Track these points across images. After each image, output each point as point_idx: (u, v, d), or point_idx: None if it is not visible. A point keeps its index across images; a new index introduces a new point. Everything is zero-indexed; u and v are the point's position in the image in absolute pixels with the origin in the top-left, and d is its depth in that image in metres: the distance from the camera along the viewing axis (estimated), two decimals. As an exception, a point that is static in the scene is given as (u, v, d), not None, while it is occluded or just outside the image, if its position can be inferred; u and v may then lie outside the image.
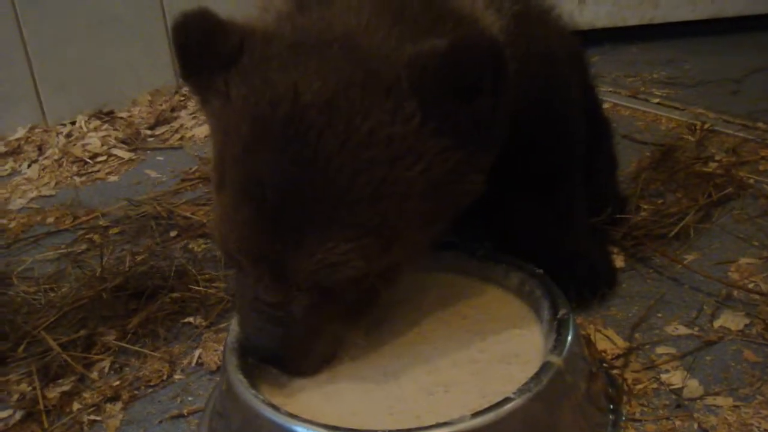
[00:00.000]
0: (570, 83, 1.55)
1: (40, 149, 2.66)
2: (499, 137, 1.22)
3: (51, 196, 2.38)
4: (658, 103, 2.55)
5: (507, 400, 1.11)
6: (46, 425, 1.43)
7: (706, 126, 2.29)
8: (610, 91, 2.65)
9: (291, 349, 1.23)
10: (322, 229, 1.13)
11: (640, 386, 1.36)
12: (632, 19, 3.07)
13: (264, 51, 1.19)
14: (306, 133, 1.11)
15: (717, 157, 2.10)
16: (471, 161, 1.20)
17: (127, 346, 1.60)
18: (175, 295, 1.71)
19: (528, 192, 1.52)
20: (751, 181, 1.98)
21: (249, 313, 1.23)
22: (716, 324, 1.50)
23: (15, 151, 2.65)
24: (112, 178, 2.46)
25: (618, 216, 1.78)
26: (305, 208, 1.12)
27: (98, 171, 2.51)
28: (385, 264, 1.20)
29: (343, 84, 1.12)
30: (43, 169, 2.54)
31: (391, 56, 1.14)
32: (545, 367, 1.17)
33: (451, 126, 1.14)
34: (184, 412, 1.43)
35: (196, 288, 1.73)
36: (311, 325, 1.22)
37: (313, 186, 1.11)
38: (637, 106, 2.54)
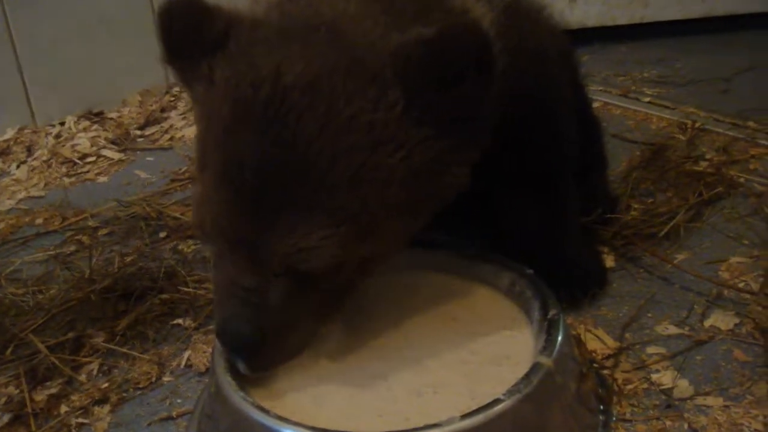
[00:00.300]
0: (561, 81, 1.55)
1: (29, 150, 2.64)
2: (485, 131, 1.22)
3: (40, 197, 2.37)
4: (648, 102, 2.54)
5: (497, 401, 1.11)
6: (33, 428, 1.42)
7: (696, 125, 2.29)
8: (601, 90, 2.65)
9: (264, 337, 1.20)
10: (300, 213, 1.12)
11: (630, 386, 1.36)
12: (622, 18, 3.07)
13: (250, 36, 1.19)
14: (286, 115, 1.10)
15: (707, 156, 2.09)
16: (454, 153, 1.20)
17: (116, 348, 1.59)
18: (164, 296, 1.71)
19: (519, 191, 1.52)
20: (742, 179, 1.98)
21: (225, 299, 1.21)
22: (706, 323, 1.50)
23: (4, 152, 2.63)
24: (102, 179, 2.45)
25: (608, 215, 1.78)
26: (283, 191, 1.12)
27: (87, 172, 2.50)
28: (363, 253, 1.19)
29: (326, 68, 1.12)
30: (32, 170, 2.53)
31: (377, 44, 1.14)
32: (535, 368, 1.17)
33: (434, 116, 1.14)
34: (173, 414, 1.42)
35: (186, 289, 1.73)
36: (286, 312, 1.20)
37: (292, 169, 1.11)
38: (628, 105, 2.53)
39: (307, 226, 1.12)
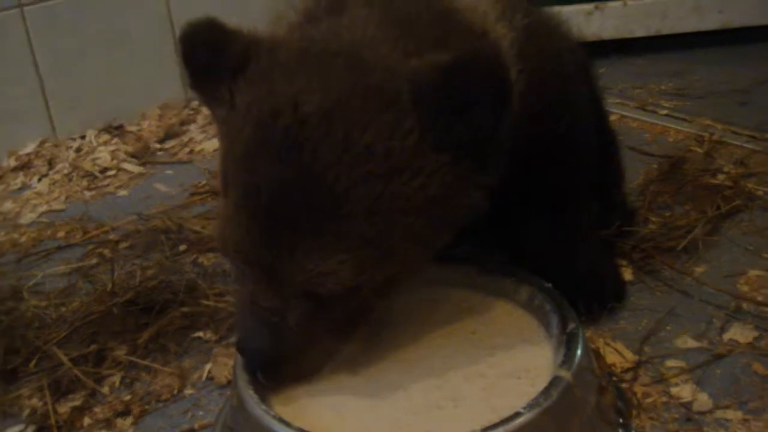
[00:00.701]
0: (579, 98, 1.55)
1: (50, 163, 2.66)
2: (502, 154, 1.22)
3: (61, 210, 2.39)
4: (665, 115, 2.53)
5: (517, 414, 1.12)
6: (57, 440, 1.44)
7: (714, 137, 2.28)
8: (618, 103, 2.64)
9: (281, 355, 1.23)
10: (316, 239, 1.14)
11: (649, 400, 1.36)
12: (639, 31, 3.06)
13: (270, 60, 1.20)
14: (304, 144, 1.12)
15: (725, 169, 2.09)
16: (471, 178, 1.21)
17: (138, 360, 1.61)
18: (185, 309, 1.72)
19: (538, 206, 1.52)
20: (760, 192, 1.98)
21: (245, 315, 1.24)
22: (726, 337, 1.50)
23: (25, 166, 2.66)
24: (122, 192, 2.47)
25: (626, 229, 1.78)
26: (300, 217, 1.13)
27: (108, 185, 2.52)
28: (380, 277, 1.20)
29: (343, 96, 1.13)
30: (53, 184, 2.55)
31: (395, 70, 1.15)
32: (554, 381, 1.18)
33: (449, 142, 1.15)
34: (195, 426, 1.44)
35: (206, 302, 1.74)
36: (304, 333, 1.22)
37: (309, 196, 1.12)
38: (645, 118, 2.53)
39: (324, 252, 1.14)
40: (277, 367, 1.24)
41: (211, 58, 1.23)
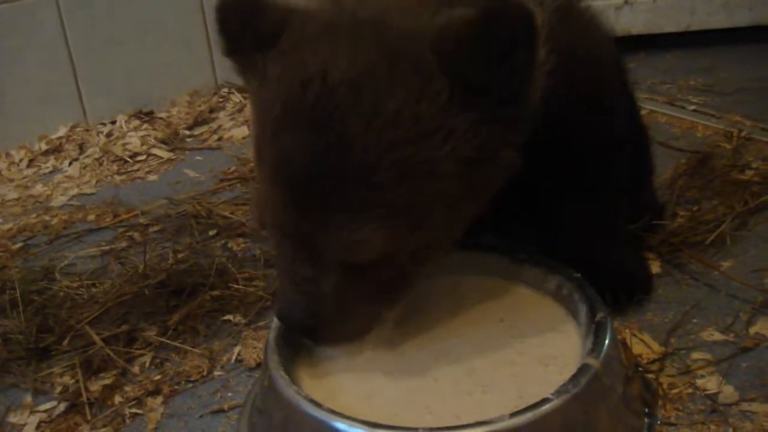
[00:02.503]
0: (612, 88, 1.55)
1: (81, 148, 2.70)
2: (531, 112, 1.21)
3: (91, 194, 2.43)
4: (694, 111, 2.53)
5: (545, 400, 1.12)
6: (89, 417, 1.47)
7: (742, 134, 2.28)
8: (647, 98, 2.63)
9: (321, 321, 1.25)
10: (348, 209, 1.14)
11: (675, 391, 1.37)
12: (668, 26, 3.06)
13: (301, 31, 1.20)
14: (333, 114, 1.12)
15: (753, 165, 2.08)
16: (501, 136, 1.19)
17: (168, 341, 1.63)
18: (215, 292, 1.74)
19: (569, 197, 1.52)
20: (788, 189, 1.97)
21: (284, 284, 1.26)
22: (752, 330, 1.50)
23: (56, 149, 2.70)
24: (152, 178, 2.50)
25: (655, 222, 1.79)
26: (332, 187, 1.13)
27: (138, 170, 2.55)
28: (415, 244, 1.21)
29: (370, 63, 1.12)
30: (84, 168, 2.58)
31: (422, 32, 1.14)
32: (583, 369, 1.18)
33: (479, 97, 1.14)
34: (224, 407, 1.46)
35: (236, 286, 1.76)
36: (342, 300, 1.23)
37: (340, 166, 1.12)
38: (674, 113, 2.53)
39: (356, 221, 1.15)
40: (316, 332, 1.27)
41: (244, 28, 1.23)
